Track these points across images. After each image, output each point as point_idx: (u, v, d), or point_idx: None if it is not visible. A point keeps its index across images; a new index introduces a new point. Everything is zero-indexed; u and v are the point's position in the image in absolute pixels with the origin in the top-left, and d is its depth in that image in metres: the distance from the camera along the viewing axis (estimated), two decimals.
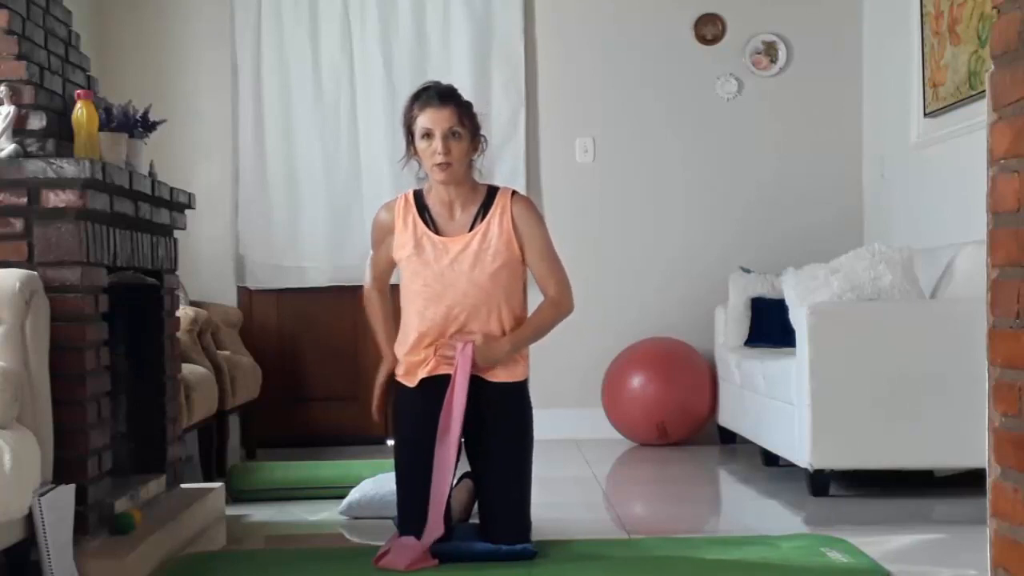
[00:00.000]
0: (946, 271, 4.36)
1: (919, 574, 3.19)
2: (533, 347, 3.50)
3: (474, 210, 3.42)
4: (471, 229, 3.39)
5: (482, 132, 3.46)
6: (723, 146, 6.12)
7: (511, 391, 3.40)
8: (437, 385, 3.37)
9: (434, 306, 3.35)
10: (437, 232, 3.40)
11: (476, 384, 3.35)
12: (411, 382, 3.41)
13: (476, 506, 3.74)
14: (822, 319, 4.19)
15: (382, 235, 3.49)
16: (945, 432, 4.10)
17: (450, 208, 3.42)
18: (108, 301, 3.30)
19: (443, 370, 3.36)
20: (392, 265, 3.52)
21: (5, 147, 3.12)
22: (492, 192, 3.45)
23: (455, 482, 3.55)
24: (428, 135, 3.35)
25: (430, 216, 3.42)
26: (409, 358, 3.42)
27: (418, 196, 3.46)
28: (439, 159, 3.32)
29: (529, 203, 3.48)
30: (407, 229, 3.41)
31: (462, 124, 3.36)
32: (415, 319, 3.38)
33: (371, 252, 3.59)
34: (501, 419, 3.39)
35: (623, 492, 4.81)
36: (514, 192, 3.48)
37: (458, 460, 3.49)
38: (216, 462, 4.99)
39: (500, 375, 3.38)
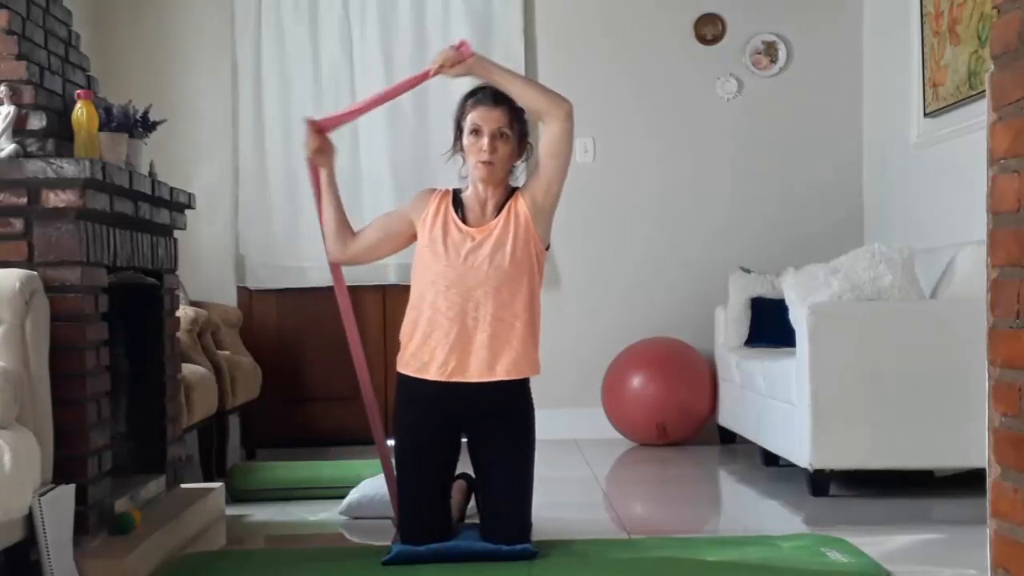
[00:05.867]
0: (946, 271, 4.36)
1: (919, 574, 3.19)
2: None
3: (500, 208, 3.46)
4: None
5: (529, 140, 3.53)
6: (723, 146, 6.12)
7: (515, 391, 3.40)
8: (452, 388, 3.38)
9: (455, 287, 3.37)
10: (465, 223, 3.45)
11: (481, 384, 3.36)
12: (424, 373, 3.41)
13: (470, 506, 3.76)
14: (822, 319, 4.19)
15: (419, 205, 3.49)
16: (945, 432, 4.10)
17: (483, 207, 3.47)
18: (108, 301, 3.30)
19: (458, 377, 3.38)
20: (395, 237, 3.54)
21: (5, 147, 3.12)
22: (513, 190, 3.51)
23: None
24: (477, 131, 3.42)
25: (463, 210, 3.47)
26: (423, 350, 3.41)
27: (456, 193, 3.52)
28: (484, 156, 3.39)
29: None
30: (439, 212, 3.46)
31: (511, 127, 3.44)
32: (441, 301, 3.37)
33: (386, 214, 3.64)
34: (504, 419, 3.40)
35: (623, 492, 4.80)
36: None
37: (457, 461, 3.50)
38: (216, 462, 4.99)
39: (511, 371, 3.39)
